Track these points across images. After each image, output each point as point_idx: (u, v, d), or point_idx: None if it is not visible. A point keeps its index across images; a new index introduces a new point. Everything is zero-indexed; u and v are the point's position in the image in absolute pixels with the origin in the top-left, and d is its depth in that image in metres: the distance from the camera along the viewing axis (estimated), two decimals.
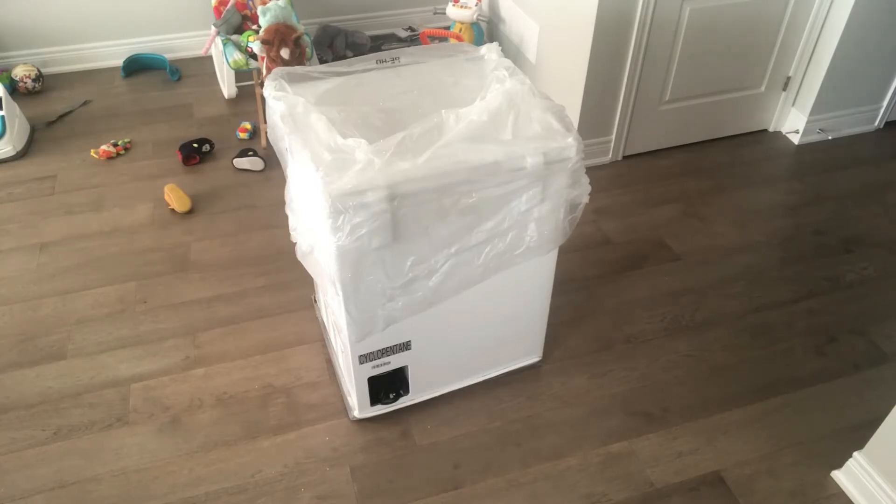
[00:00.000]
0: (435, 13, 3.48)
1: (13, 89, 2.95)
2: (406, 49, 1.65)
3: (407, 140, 1.32)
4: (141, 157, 2.65)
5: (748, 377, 1.85)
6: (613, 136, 2.59)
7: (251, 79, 2.81)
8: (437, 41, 3.17)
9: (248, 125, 2.76)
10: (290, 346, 1.91)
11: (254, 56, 2.54)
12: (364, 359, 1.57)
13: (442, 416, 1.74)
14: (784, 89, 2.72)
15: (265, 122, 1.96)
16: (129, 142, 2.72)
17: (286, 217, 1.51)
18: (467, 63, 1.65)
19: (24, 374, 1.83)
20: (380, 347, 1.56)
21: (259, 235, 2.28)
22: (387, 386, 1.68)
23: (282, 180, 1.52)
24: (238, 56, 2.57)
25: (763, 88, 2.70)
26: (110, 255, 2.20)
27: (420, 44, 3.26)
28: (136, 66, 3.20)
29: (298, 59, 2.39)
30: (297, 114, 1.42)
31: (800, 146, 2.77)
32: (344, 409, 1.75)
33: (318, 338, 1.93)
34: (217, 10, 2.74)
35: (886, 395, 1.80)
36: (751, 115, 2.78)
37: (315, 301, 2.01)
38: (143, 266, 2.16)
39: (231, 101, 2.99)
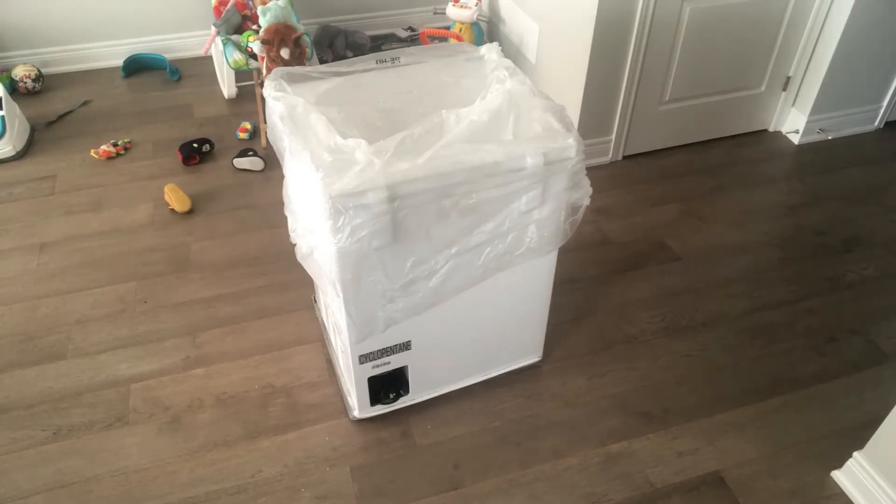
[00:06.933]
0: (435, 13, 3.48)
1: (13, 89, 2.95)
2: (406, 49, 1.65)
3: (407, 140, 1.32)
4: (141, 157, 2.65)
5: (748, 377, 1.85)
6: (613, 136, 2.59)
7: (251, 79, 2.82)
8: (437, 41, 3.17)
9: (248, 125, 2.76)
10: (290, 346, 1.91)
11: (254, 56, 2.54)
12: (364, 359, 1.57)
13: (442, 416, 1.74)
14: (784, 89, 2.72)
15: (265, 122, 1.96)
16: (129, 142, 2.72)
17: (286, 217, 1.51)
18: (467, 63, 1.65)
19: (24, 374, 1.83)
20: (380, 347, 1.56)
21: (259, 235, 2.28)
22: (387, 386, 1.67)
23: (282, 180, 1.52)
24: (238, 56, 2.57)
25: (763, 88, 2.70)
26: (110, 255, 2.20)
27: (420, 44, 3.25)
28: (136, 66, 3.20)
29: (298, 59, 2.39)
30: (296, 114, 1.42)
31: (800, 146, 2.77)
32: (344, 409, 1.75)
33: (318, 338, 1.93)
34: (217, 10, 2.74)
35: (886, 395, 1.80)
36: (751, 115, 2.78)
37: (315, 301, 2.01)
38: (143, 266, 2.16)
39: (231, 101, 2.99)
